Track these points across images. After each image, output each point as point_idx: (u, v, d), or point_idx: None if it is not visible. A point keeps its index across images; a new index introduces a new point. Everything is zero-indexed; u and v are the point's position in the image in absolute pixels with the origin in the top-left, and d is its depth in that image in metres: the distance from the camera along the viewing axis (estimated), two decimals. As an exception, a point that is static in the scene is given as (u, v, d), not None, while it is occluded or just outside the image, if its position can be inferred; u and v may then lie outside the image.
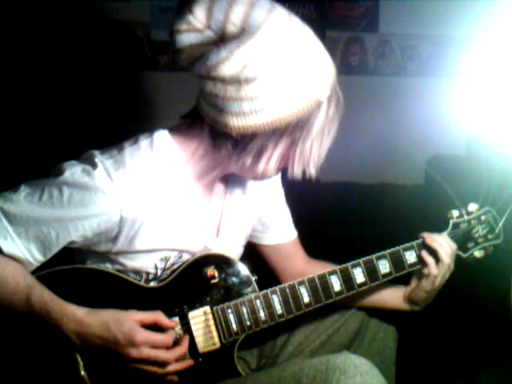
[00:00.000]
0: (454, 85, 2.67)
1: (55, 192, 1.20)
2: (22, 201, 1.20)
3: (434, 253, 1.45)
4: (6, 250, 1.20)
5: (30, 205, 1.20)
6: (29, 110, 2.28)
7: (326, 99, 1.19)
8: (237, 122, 1.16)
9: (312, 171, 1.25)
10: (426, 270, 1.45)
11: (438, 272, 1.44)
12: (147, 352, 1.21)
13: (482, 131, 2.46)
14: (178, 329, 1.32)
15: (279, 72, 1.13)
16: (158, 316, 1.26)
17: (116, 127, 2.33)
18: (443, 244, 1.44)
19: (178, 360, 1.27)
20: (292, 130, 1.19)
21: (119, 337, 1.19)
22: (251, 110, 1.14)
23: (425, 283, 1.46)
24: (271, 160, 1.23)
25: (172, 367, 1.26)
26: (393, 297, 1.55)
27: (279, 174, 1.51)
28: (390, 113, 2.66)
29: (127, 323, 1.21)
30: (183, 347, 1.28)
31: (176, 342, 1.28)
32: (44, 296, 1.20)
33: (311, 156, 1.23)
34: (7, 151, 2.14)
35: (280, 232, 1.57)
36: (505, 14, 2.46)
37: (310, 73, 1.16)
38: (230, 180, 1.42)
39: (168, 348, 1.25)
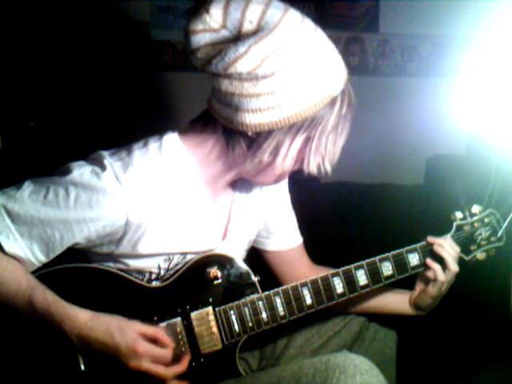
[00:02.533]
0: (454, 85, 2.66)
1: (61, 191, 1.20)
2: (26, 199, 1.19)
3: (440, 259, 1.44)
4: (8, 249, 1.20)
5: (35, 204, 1.19)
6: (30, 110, 2.28)
7: (340, 96, 1.20)
8: (253, 120, 1.16)
9: (327, 167, 1.26)
10: (432, 276, 1.45)
11: (445, 279, 1.44)
12: (147, 366, 1.21)
13: (481, 131, 2.46)
14: (182, 330, 1.33)
15: (295, 67, 1.14)
16: (159, 332, 1.26)
17: (116, 127, 2.34)
18: (450, 251, 1.44)
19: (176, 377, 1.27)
20: (307, 127, 1.20)
21: (122, 346, 1.19)
22: (268, 106, 1.15)
23: (431, 289, 1.46)
24: (287, 158, 1.23)
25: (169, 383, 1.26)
26: (398, 302, 1.55)
27: (286, 180, 1.51)
28: (389, 113, 2.66)
29: (130, 333, 1.21)
30: (183, 366, 1.28)
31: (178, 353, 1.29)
32: (47, 297, 1.20)
33: (326, 152, 1.23)
34: (16, 150, 2.14)
35: (284, 238, 1.56)
36: (505, 14, 2.46)
37: (325, 69, 1.17)
38: (238, 185, 1.42)
39: (167, 364, 1.24)
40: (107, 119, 2.36)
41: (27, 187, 1.21)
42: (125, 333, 1.20)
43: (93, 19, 2.35)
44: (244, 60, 1.12)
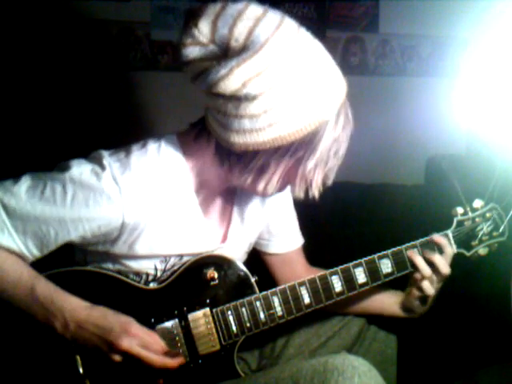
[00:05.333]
0: (454, 85, 2.67)
1: (59, 188, 1.19)
2: (23, 194, 1.19)
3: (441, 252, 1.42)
4: (2, 242, 1.20)
5: (31, 199, 1.19)
6: (28, 110, 2.28)
7: (334, 119, 1.15)
8: (237, 139, 1.14)
9: (315, 193, 1.22)
10: (417, 275, 1.42)
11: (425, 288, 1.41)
12: (137, 349, 1.21)
13: (482, 131, 2.46)
14: (179, 332, 1.33)
15: (281, 91, 1.10)
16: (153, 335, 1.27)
17: (116, 127, 2.34)
18: (433, 255, 1.40)
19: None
20: (295, 150, 1.15)
21: (115, 325, 1.21)
22: (251, 128, 1.12)
23: (415, 291, 1.44)
24: (272, 179, 1.20)
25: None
26: (391, 303, 1.52)
27: None
28: (389, 113, 2.66)
29: (125, 316, 1.23)
30: (174, 362, 1.25)
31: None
32: (49, 286, 1.22)
33: (314, 177, 1.19)
34: (12, 151, 2.14)
35: (286, 241, 1.56)
36: (505, 14, 2.46)
37: (316, 92, 1.12)
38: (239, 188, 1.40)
39: (159, 353, 1.25)
40: (106, 119, 2.36)
41: (25, 181, 1.21)
42: (119, 315, 1.23)
43: (93, 19, 2.35)
44: (225, 82, 1.09)
